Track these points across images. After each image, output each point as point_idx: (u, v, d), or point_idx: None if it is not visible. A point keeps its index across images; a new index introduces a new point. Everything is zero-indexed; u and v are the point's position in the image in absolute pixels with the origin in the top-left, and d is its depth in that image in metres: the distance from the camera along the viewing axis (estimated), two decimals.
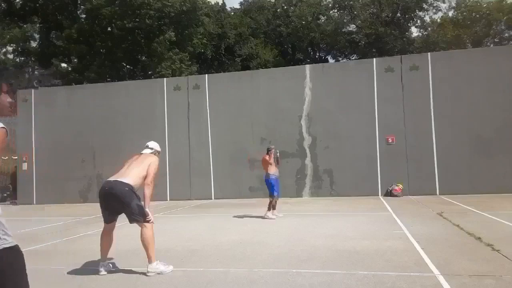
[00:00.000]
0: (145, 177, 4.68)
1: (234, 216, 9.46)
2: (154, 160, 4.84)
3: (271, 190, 8.91)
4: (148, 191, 4.64)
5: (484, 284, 3.82)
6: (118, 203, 4.50)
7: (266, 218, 8.76)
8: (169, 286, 4.19)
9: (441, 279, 4.00)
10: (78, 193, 15.27)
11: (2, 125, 2.15)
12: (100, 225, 4.89)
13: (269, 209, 8.89)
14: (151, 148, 5.15)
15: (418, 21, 35.61)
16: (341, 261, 4.88)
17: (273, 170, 8.99)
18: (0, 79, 27.95)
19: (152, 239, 4.57)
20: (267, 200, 9.23)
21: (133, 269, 4.81)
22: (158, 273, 4.54)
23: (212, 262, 5.07)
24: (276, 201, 8.97)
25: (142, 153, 5.04)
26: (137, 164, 4.78)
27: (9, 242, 2.05)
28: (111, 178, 4.67)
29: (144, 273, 4.57)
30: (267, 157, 9.03)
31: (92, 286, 4.30)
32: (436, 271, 4.27)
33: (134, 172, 4.67)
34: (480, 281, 3.92)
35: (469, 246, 5.46)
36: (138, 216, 4.50)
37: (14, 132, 15.64)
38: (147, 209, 4.57)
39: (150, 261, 4.55)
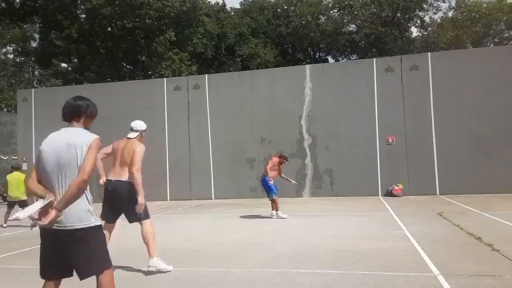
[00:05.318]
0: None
1: (234, 216, 9.46)
2: (138, 150, 4.66)
3: (270, 191, 8.85)
4: (138, 177, 4.51)
5: (484, 284, 3.81)
6: (126, 202, 4.56)
7: (278, 218, 8.73)
8: (169, 286, 4.19)
9: (441, 279, 4.00)
10: None
11: (98, 136, 2.67)
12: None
13: (276, 209, 8.86)
14: (136, 130, 5.00)
15: (418, 21, 35.61)
16: (341, 261, 4.88)
17: (274, 173, 8.99)
18: None
19: (153, 235, 4.63)
20: (266, 200, 9.20)
21: (133, 268, 4.82)
22: (158, 270, 4.56)
23: (212, 262, 5.07)
24: (274, 201, 8.92)
25: (128, 138, 4.89)
26: (126, 157, 4.67)
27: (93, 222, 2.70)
28: (112, 178, 4.68)
29: (143, 273, 4.58)
30: (275, 160, 9.02)
31: (92, 286, 4.29)
32: (436, 271, 4.27)
33: (127, 168, 4.62)
34: (480, 281, 3.92)
35: (469, 246, 5.46)
36: (141, 214, 4.55)
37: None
38: (141, 198, 4.45)
39: (151, 257, 4.59)
